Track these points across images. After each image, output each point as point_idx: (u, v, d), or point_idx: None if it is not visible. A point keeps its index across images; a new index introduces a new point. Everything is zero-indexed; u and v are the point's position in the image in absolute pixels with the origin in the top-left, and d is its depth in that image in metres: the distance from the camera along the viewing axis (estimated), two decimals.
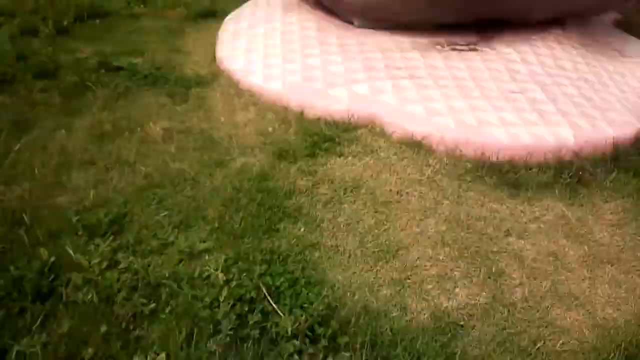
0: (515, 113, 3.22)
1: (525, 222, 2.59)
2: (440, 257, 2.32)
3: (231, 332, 1.76)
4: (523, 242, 2.47)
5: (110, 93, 3.09)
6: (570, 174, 2.89)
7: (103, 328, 1.68)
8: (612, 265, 2.42)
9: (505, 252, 2.40)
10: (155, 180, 2.42)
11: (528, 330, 2.07)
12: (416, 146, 2.94)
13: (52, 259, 1.84)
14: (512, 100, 3.35)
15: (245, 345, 1.75)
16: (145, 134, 2.73)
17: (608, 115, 3.42)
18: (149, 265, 1.94)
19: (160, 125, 2.81)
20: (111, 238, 2.01)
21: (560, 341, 2.04)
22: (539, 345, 2.01)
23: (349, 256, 2.25)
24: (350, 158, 2.81)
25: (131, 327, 1.74)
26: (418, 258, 2.30)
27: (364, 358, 1.75)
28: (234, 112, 3.06)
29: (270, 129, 2.92)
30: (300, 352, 1.77)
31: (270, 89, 3.23)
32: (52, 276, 1.83)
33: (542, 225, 2.59)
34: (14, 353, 1.50)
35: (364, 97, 3.21)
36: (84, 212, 2.14)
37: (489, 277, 2.26)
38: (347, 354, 1.76)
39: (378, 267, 2.22)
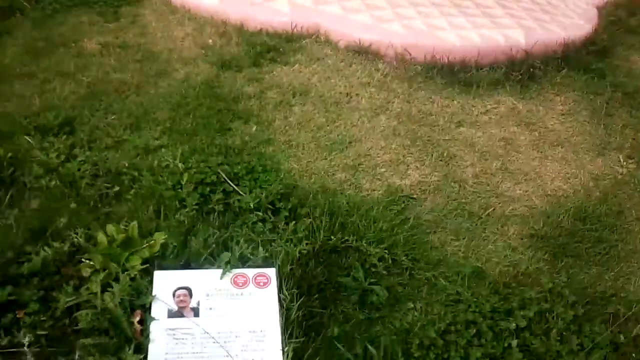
0: (465, 17, 3.87)
1: (477, 115, 3.24)
2: (393, 146, 2.92)
3: (196, 207, 2.28)
4: (474, 130, 3.11)
5: (40, 14, 3.53)
6: (521, 71, 3.57)
7: (72, 205, 2.16)
8: (562, 147, 3.11)
9: (457, 139, 3.04)
10: (99, 89, 2.89)
11: (478, 200, 2.71)
12: (364, 52, 3.52)
13: (9, 154, 2.28)
14: (462, 7, 4.01)
15: (211, 216, 2.28)
16: (81, 49, 3.18)
17: (558, 18, 4.14)
18: (107, 158, 2.43)
19: (96, 40, 3.27)
20: (64, 137, 2.47)
21: (510, 207, 2.70)
22: (489, 211, 2.65)
23: (303, 149, 2.81)
24: (296, 66, 3.36)
25: (99, 205, 2.24)
26: (371, 148, 2.89)
27: (323, 224, 2.32)
28: (170, 28, 3.55)
29: (210, 42, 3.43)
30: (263, 221, 2.32)
31: (207, 4, 3.72)
32: (12, 169, 2.28)
33: (493, 117, 3.24)
34: None
35: (306, 7, 3.75)
36: (33, 116, 2.60)
37: (441, 160, 2.89)
38: (308, 220, 2.33)
39: (332, 157, 2.80)
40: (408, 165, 2.82)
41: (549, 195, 2.79)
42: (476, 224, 2.57)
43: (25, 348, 1.40)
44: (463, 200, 2.68)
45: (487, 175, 2.85)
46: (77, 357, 1.68)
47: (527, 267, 2.39)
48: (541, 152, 3.05)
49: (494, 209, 2.66)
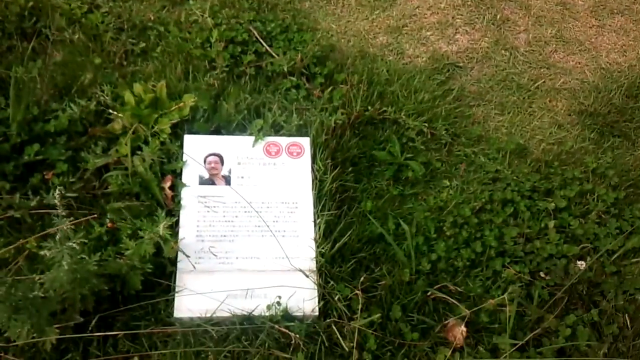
0: None
1: None
2: (442, 6, 2.67)
3: (227, 69, 2.15)
4: None
5: None
6: None
7: (97, 60, 2.06)
8: (622, 16, 2.81)
9: (511, 0, 2.76)
10: None
11: (528, 71, 2.52)
12: None
13: (30, 3, 2.14)
14: None
15: (242, 80, 2.16)
16: None
17: None
18: (131, 10, 2.26)
19: None
20: None
21: (561, 80, 2.51)
22: (538, 83, 2.47)
23: (343, 6, 2.59)
24: None
25: (124, 62, 2.13)
26: (417, 7, 2.65)
27: (361, 93, 2.19)
28: None
29: None
30: (297, 87, 2.19)
31: None
32: (34, 19, 2.15)
33: None
34: (13, 80, 1.89)
35: None
36: None
37: (493, 24, 2.65)
38: (345, 88, 2.19)
39: (374, 16, 2.58)
40: (457, 29, 2.60)
41: (603, 69, 2.58)
42: (523, 98, 2.42)
43: (55, 209, 1.37)
44: (512, 71, 2.50)
45: (540, 43, 2.63)
46: (108, 220, 1.67)
47: (572, 145, 2.27)
48: (599, 19, 2.77)
49: (543, 82, 2.48)
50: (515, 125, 2.32)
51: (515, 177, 2.11)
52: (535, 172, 2.14)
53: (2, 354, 1.39)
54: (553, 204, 2.03)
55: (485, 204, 2.01)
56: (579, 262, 1.90)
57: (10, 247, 1.56)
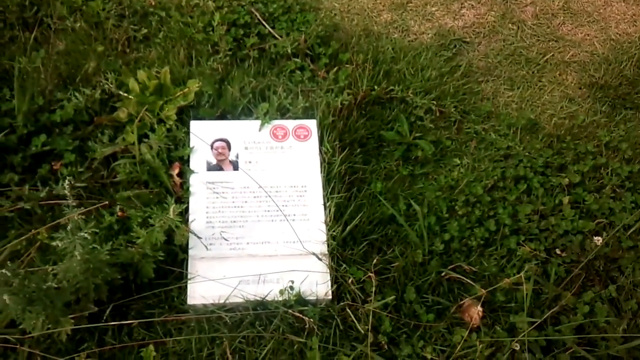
0: None
1: None
2: None
3: (230, 53, 2.12)
4: None
5: None
6: None
7: (100, 48, 2.04)
8: None
9: None
10: None
11: (537, 45, 2.48)
12: None
13: None
14: None
15: (245, 63, 2.14)
16: None
17: None
18: None
19: None
20: None
21: (570, 53, 2.47)
22: (547, 57, 2.44)
23: None
24: None
25: (127, 50, 2.11)
26: None
27: (366, 72, 2.16)
28: None
29: None
30: (302, 69, 2.17)
31: None
32: (35, 8, 2.13)
33: None
34: (17, 71, 1.88)
35: None
36: None
37: None
38: (350, 67, 2.17)
39: None
40: (462, 3, 2.56)
41: (613, 40, 2.53)
42: (533, 72, 2.39)
43: (65, 200, 1.37)
44: (520, 45, 2.46)
45: (547, 15, 2.58)
46: (118, 209, 1.67)
47: (583, 119, 2.24)
48: None
49: (552, 55, 2.45)
50: (526, 100, 2.29)
51: (527, 153, 2.09)
52: (547, 148, 2.11)
53: (17, 346, 1.40)
54: (567, 180, 2.01)
55: (497, 182, 1.99)
56: (595, 238, 1.88)
57: (22, 238, 1.56)
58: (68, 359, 1.47)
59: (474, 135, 2.15)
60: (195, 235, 1.67)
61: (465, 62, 2.35)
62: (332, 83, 2.11)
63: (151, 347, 1.54)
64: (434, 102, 2.13)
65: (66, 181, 1.29)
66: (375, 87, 2.12)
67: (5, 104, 1.83)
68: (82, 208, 1.41)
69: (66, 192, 1.28)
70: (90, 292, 1.49)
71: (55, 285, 1.37)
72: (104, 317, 1.53)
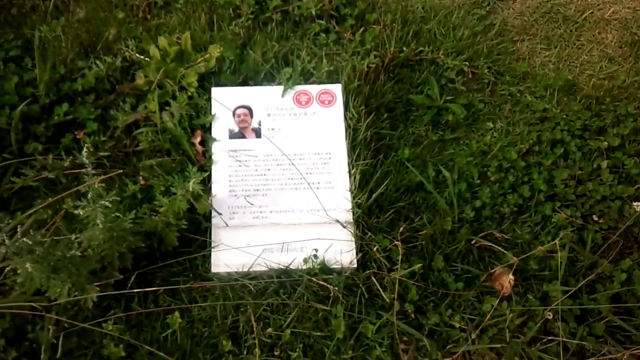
0: None
1: None
2: None
3: (252, 16, 2.07)
4: None
5: None
6: None
7: (120, 15, 2.01)
8: None
9: None
10: None
11: (575, 1, 2.35)
12: None
13: None
14: None
15: (268, 27, 2.09)
16: None
17: None
18: None
19: None
20: None
21: (611, 10, 2.33)
22: (586, 14, 2.31)
23: None
24: None
25: (148, 16, 2.08)
26: None
27: (394, 33, 2.08)
28: None
29: None
30: (327, 31, 2.11)
31: None
32: None
33: None
34: (37, 39, 1.88)
35: None
36: None
37: None
38: (377, 28, 2.10)
39: None
40: None
41: None
42: (571, 30, 2.27)
43: (89, 169, 1.37)
44: (557, 1, 2.34)
45: None
46: (141, 178, 1.67)
47: (624, 79, 2.13)
48: None
49: (592, 12, 2.32)
50: (563, 60, 2.18)
51: (564, 116, 2.00)
52: (585, 110, 2.02)
53: (43, 313, 1.42)
54: (606, 143, 1.92)
55: (532, 146, 1.92)
56: (634, 204, 1.80)
57: (44, 205, 1.57)
58: (94, 323, 1.49)
59: (509, 97, 2.07)
60: (215, 210, 1.66)
61: (499, 20, 2.25)
62: (358, 45, 2.04)
63: (177, 313, 1.55)
64: (466, 63, 2.05)
65: (84, 149, 1.28)
66: (404, 48, 2.05)
67: (27, 73, 1.83)
68: (102, 176, 1.41)
69: (85, 160, 1.27)
70: (114, 260, 1.50)
71: (79, 254, 1.38)
72: (129, 285, 1.54)
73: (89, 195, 1.34)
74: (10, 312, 1.46)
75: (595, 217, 1.80)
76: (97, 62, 1.87)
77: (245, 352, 1.54)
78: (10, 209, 1.69)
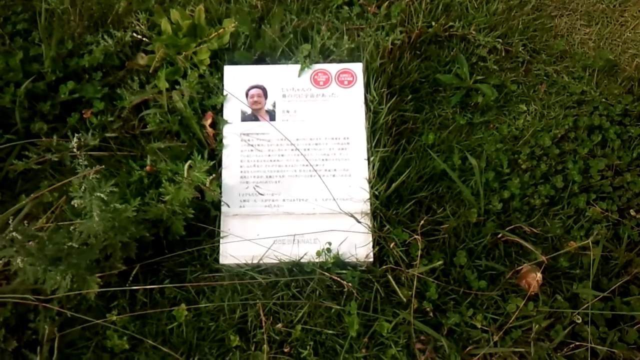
0: None
1: None
2: None
3: None
4: None
5: None
6: None
7: None
8: None
9: None
10: None
11: None
12: None
13: None
14: None
15: None
16: None
17: None
18: None
19: None
20: None
21: None
22: None
23: None
24: None
25: None
26: None
27: (423, 6, 1.94)
28: None
29: None
30: (350, 4, 1.96)
31: None
32: None
33: None
34: (44, 12, 1.79)
35: None
36: None
37: None
38: (404, 1, 1.96)
39: None
40: None
41: None
42: (614, 5, 2.11)
43: (98, 151, 1.30)
44: None
45: None
46: (148, 162, 1.59)
47: None
48: None
49: None
50: (604, 38, 2.02)
51: (603, 99, 1.86)
52: (627, 93, 1.87)
53: (39, 304, 1.37)
54: None
55: (568, 132, 1.79)
56: None
57: (51, 190, 1.51)
58: (97, 314, 1.44)
59: (544, 78, 1.92)
60: (224, 202, 1.58)
61: None
62: (383, 20, 1.91)
63: (183, 306, 1.50)
64: (500, 40, 1.91)
65: (74, 139, 1.20)
66: (433, 23, 1.92)
67: (34, 48, 1.76)
68: (95, 167, 1.33)
69: (75, 151, 1.20)
70: (117, 251, 1.44)
71: (77, 246, 1.32)
72: (133, 276, 1.49)
73: (83, 187, 1.27)
74: (12, 301, 1.42)
75: (632, 212, 1.68)
76: (106, 36, 1.78)
77: (253, 348, 1.48)
78: (15, 191, 1.65)
